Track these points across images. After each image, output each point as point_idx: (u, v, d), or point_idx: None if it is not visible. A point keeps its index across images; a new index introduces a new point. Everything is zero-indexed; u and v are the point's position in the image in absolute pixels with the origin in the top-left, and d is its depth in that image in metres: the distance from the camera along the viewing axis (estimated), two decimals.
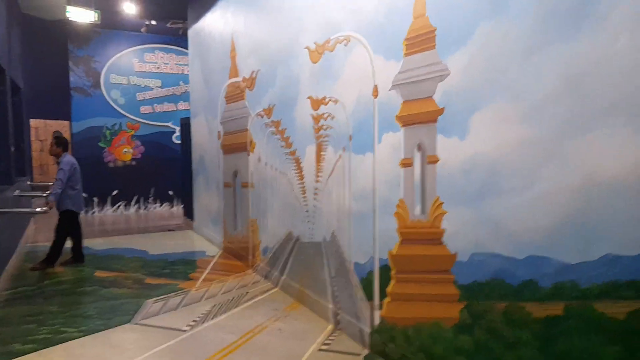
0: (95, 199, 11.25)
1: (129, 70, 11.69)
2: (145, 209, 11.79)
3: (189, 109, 12.17)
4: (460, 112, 2.58)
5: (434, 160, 2.78)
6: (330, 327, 3.91)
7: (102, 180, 11.23)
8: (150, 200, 11.89)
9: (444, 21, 2.68)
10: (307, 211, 4.39)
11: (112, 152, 11.59)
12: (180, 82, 12.24)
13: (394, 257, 3.14)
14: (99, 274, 5.69)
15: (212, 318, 4.16)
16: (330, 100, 3.89)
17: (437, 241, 2.76)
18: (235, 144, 6.26)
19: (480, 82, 2.45)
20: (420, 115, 2.88)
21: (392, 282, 3.16)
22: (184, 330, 3.87)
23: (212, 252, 6.85)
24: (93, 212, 11.19)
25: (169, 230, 8.83)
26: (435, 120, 2.75)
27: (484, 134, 2.44)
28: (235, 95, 6.23)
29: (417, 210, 2.94)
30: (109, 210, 11.42)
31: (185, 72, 12.09)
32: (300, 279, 4.55)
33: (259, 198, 5.53)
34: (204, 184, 7.95)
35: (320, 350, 3.48)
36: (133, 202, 11.67)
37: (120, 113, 11.58)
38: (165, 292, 4.87)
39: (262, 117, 5.32)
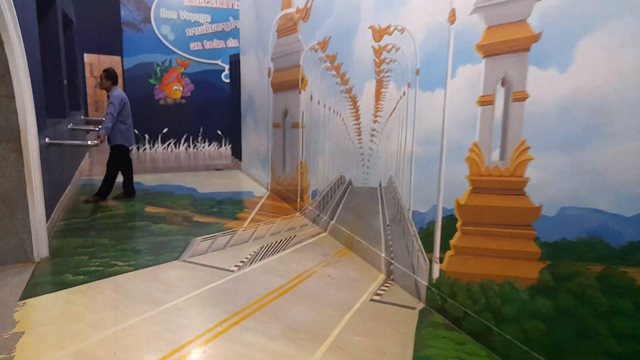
0: (147, 136, 11.39)
1: (178, 5, 11.38)
2: (194, 147, 11.85)
3: (238, 46, 11.89)
4: (563, 38, 2.12)
5: (521, 97, 2.36)
6: (382, 276, 3.69)
7: (152, 117, 11.29)
8: (199, 139, 11.92)
9: None
10: (362, 154, 4.08)
11: (162, 89, 11.55)
12: (230, 18, 11.83)
13: (462, 207, 2.81)
14: (150, 209, 5.71)
15: (260, 260, 4.05)
16: (395, 29, 3.45)
17: (518, 191, 2.40)
18: (286, 82, 5.93)
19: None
20: (508, 43, 2.43)
21: (458, 234, 2.85)
22: (232, 271, 3.78)
23: (260, 192, 6.74)
24: (144, 149, 11.37)
25: (217, 170, 8.81)
26: (527, 49, 2.31)
27: (593, 64, 1.99)
28: (287, 28, 5.82)
29: (495, 155, 2.56)
30: (159, 147, 11.57)
31: (236, 7, 11.65)
32: (351, 225, 4.32)
33: (309, 139, 5.26)
34: (252, 123, 7.74)
35: (372, 300, 3.28)
36: (182, 140, 11.74)
37: (170, 49, 11.41)
38: (213, 231, 4.80)
39: (316, 51, 4.93)
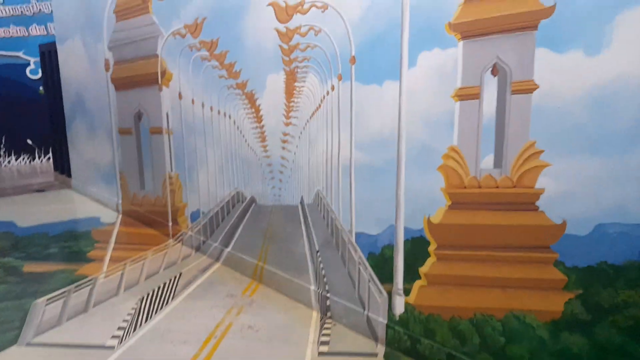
0: None
1: None
2: None
3: (46, 35, 9.62)
4: (591, 10, 1.68)
5: (527, 89, 1.88)
6: (315, 315, 2.98)
7: None
8: (1, 152, 9.36)
9: None
10: (269, 164, 3.27)
11: None
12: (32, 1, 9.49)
13: (436, 227, 2.26)
14: None
15: (146, 321, 2.94)
16: (313, 5, 2.72)
17: (528, 206, 1.93)
18: (137, 76, 4.70)
19: None
20: (501, 20, 1.93)
21: (432, 260, 2.30)
22: (111, 347, 2.62)
23: (109, 218, 5.32)
24: None
25: (38, 191, 6.88)
26: (534, 27, 1.83)
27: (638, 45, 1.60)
28: (132, 8, 4.58)
29: (487, 162, 2.06)
30: None
31: None
32: (258, 252, 3.48)
33: (183, 147, 4.19)
34: (85, 129, 6.15)
35: (321, 353, 2.55)
36: None
37: None
38: (60, 285, 3.43)
39: (183, 36, 3.89)
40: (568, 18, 1.75)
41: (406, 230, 2.41)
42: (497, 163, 2.02)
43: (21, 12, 9.49)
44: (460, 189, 2.15)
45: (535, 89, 1.86)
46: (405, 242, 2.42)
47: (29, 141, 9.58)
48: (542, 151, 1.87)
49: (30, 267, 3.82)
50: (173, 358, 2.51)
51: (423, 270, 2.34)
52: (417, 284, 2.38)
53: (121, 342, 2.67)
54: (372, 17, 2.41)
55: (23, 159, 9.58)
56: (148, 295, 3.28)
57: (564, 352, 1.89)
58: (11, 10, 9.38)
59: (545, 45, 1.81)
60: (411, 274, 2.41)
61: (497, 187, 2.02)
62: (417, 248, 2.36)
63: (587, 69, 1.71)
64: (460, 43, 2.07)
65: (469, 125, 2.09)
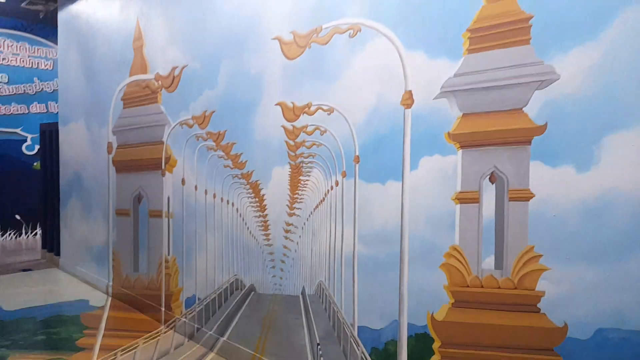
0: None
1: None
2: None
3: (46, 112, 9.92)
4: (581, 131, 1.88)
5: (523, 197, 2.04)
6: None
7: None
8: None
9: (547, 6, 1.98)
10: (271, 253, 3.32)
11: None
12: (35, 79, 9.87)
13: (439, 324, 2.31)
14: None
15: None
16: (319, 108, 2.94)
17: (529, 307, 2.01)
18: (140, 160, 4.84)
19: (621, 88, 1.79)
20: (497, 134, 2.13)
21: (437, 358, 2.32)
22: None
23: (98, 301, 5.20)
24: None
25: (24, 270, 6.72)
26: (528, 142, 2.03)
27: (628, 163, 1.78)
28: (141, 97, 4.83)
29: (488, 263, 2.16)
30: None
31: (43, 67, 9.81)
32: (256, 342, 3.42)
33: (181, 231, 4.24)
34: (80, 208, 6.17)
35: None
36: None
37: None
38: None
39: (190, 126, 4.09)
40: (559, 137, 1.94)
41: (410, 326, 2.44)
42: (498, 264, 2.12)
43: (24, 90, 9.83)
44: (463, 288, 2.23)
45: (531, 197, 2.01)
46: (409, 338, 2.44)
47: (17, 216, 9.48)
48: (540, 255, 1.98)
49: (16, 357, 3.67)
50: None
51: None
52: None
53: None
54: (376, 122, 2.61)
55: (9, 234, 9.43)
56: None
57: None
58: (14, 89, 9.70)
59: (540, 159, 1.99)
60: None
61: (499, 287, 2.11)
62: (421, 344, 2.38)
63: (579, 182, 1.87)
64: (460, 152, 2.25)
65: (470, 226, 2.21)
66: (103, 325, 4.42)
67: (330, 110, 2.87)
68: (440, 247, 2.31)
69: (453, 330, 2.26)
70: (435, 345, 2.32)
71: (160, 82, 4.51)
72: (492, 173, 2.15)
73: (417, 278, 2.42)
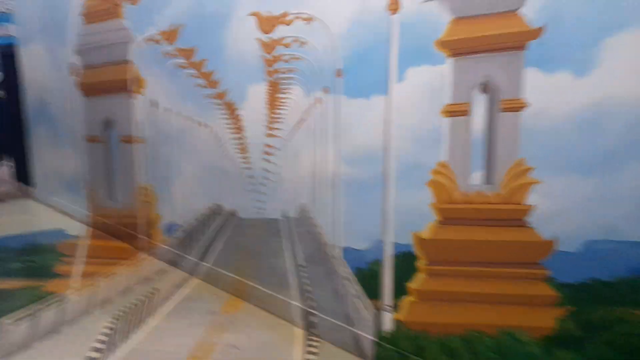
0: None
1: None
2: None
3: (7, 35, 9.20)
4: (580, 33, 1.72)
5: (515, 107, 1.90)
6: (299, 332, 2.92)
7: None
8: None
9: None
10: (251, 176, 3.19)
11: None
12: None
13: (425, 242, 2.26)
14: None
15: (123, 341, 2.81)
16: (298, 17, 2.68)
17: (517, 222, 1.95)
18: (106, 82, 4.52)
19: None
20: (490, 39, 1.94)
21: (422, 276, 2.30)
22: None
23: (76, 230, 5.09)
24: None
25: None
26: (522, 47, 1.85)
27: (629, 67, 1.64)
28: (102, 11, 4.41)
29: (477, 178, 2.07)
30: None
31: None
32: (238, 267, 3.40)
33: (156, 158, 4.06)
34: (49, 137, 5.88)
35: None
36: None
37: None
38: (26, 303, 3.24)
39: (157, 42, 3.77)
40: (556, 40, 1.77)
41: (396, 245, 2.39)
42: (489, 179, 2.03)
43: None
44: (450, 205, 2.15)
45: (524, 107, 1.88)
46: (396, 256, 2.40)
47: None
48: (531, 168, 1.89)
49: None
50: None
51: (412, 286, 2.33)
52: (407, 300, 2.37)
53: None
54: (360, 30, 2.39)
55: None
56: (123, 312, 3.14)
57: None
58: None
59: (535, 65, 1.83)
60: (400, 290, 2.39)
61: (488, 202, 2.04)
62: (405, 263, 2.35)
63: (576, 89, 1.74)
64: (450, 60, 2.07)
65: (458, 141, 2.09)
66: (81, 253, 4.35)
67: (309, 19, 2.62)
68: (426, 164, 2.21)
69: (439, 247, 2.21)
70: (420, 264, 2.29)
71: None
72: (485, 82, 2.00)
73: (401, 197, 2.33)
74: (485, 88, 2.00)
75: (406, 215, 2.32)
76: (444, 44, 2.08)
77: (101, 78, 4.59)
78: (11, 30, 9.06)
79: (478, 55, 1.99)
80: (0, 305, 3.22)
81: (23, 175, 7.02)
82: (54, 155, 5.82)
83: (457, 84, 2.06)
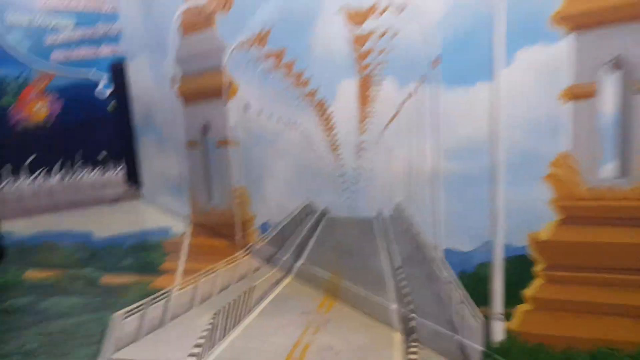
0: (4, 170, 9.08)
1: (30, 8, 9.22)
2: (72, 177, 9.78)
3: (116, 54, 10.08)
4: None
5: None
6: (398, 336, 2.78)
7: (11, 145, 9.01)
8: (78, 165, 9.87)
9: None
10: (342, 175, 3.11)
11: (20, 109, 9.31)
12: (100, 22, 9.96)
13: (544, 244, 2.00)
14: (32, 274, 4.11)
15: (223, 337, 2.87)
16: (387, 8, 2.54)
17: None
18: (203, 89, 4.72)
19: None
20: (621, 10, 1.66)
21: (540, 282, 2.04)
22: None
23: (179, 229, 5.38)
24: (1, 185, 9.05)
25: (112, 202, 7.14)
26: None
27: None
28: (196, 23, 4.61)
29: (608, 170, 1.79)
30: (25, 181, 9.31)
31: (107, 10, 9.82)
32: (332, 267, 3.33)
33: (249, 160, 4.14)
34: (155, 143, 6.31)
35: None
36: (56, 168, 9.60)
37: (25, 61, 9.22)
38: (136, 298, 3.43)
39: (248, 48, 3.84)
40: None
41: (507, 247, 2.16)
42: (624, 172, 1.74)
43: (92, 33, 9.99)
44: (575, 202, 1.88)
45: None
46: (507, 260, 2.17)
47: (104, 153, 10.03)
48: None
49: (107, 279, 3.90)
50: None
51: (529, 293, 2.08)
52: (521, 308, 2.13)
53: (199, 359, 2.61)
54: (459, 12, 2.19)
55: (98, 171, 10.05)
56: (223, 309, 3.21)
57: None
58: (82, 33, 9.88)
59: None
60: (512, 297, 2.15)
61: (623, 198, 1.74)
62: (518, 268, 2.11)
63: None
64: (571, 36, 1.81)
65: (584, 128, 1.82)
66: (184, 251, 4.57)
67: (400, 9, 2.47)
68: (543, 156, 1.95)
69: (561, 250, 1.95)
70: (538, 268, 2.04)
71: (213, 4, 4.23)
72: (617, 58, 1.71)
73: (513, 193, 2.09)
74: (617, 65, 1.72)
75: (518, 213, 2.08)
76: (563, 18, 1.82)
77: (198, 85, 4.81)
78: (119, 48, 9.95)
79: (608, 28, 1.71)
80: (112, 299, 3.46)
81: (133, 178, 7.64)
82: (159, 159, 6.23)
83: (581, 62, 1.79)
